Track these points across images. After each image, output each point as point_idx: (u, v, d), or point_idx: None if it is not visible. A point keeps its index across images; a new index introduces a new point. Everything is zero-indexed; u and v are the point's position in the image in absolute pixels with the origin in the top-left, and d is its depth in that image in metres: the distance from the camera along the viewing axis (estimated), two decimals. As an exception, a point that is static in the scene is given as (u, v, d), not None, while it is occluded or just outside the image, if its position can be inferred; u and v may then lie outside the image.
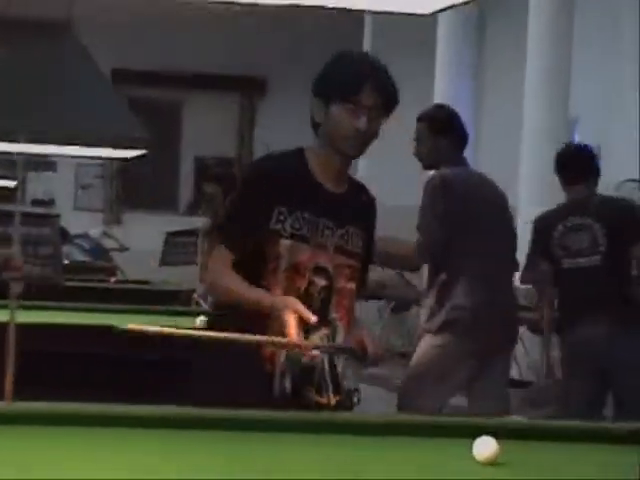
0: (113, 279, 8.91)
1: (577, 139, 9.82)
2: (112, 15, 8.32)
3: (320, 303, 3.23)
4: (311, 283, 3.20)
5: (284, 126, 12.38)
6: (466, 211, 4.94)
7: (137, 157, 7.27)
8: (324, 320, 3.23)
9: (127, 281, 8.90)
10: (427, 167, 5.27)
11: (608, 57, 10.17)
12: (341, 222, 3.22)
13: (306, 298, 3.14)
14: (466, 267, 4.89)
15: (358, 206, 3.35)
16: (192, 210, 13.11)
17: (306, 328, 3.13)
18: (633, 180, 8.75)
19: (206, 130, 13.97)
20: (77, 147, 7.07)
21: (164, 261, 9.73)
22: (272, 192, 3.11)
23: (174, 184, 14.02)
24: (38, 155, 8.58)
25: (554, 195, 8.01)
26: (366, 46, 12.14)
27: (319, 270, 3.21)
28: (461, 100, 10.50)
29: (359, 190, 3.44)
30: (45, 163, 11.07)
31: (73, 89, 6.65)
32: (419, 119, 5.26)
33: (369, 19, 11.51)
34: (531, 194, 9.11)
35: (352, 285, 3.27)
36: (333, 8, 3.95)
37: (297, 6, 3.94)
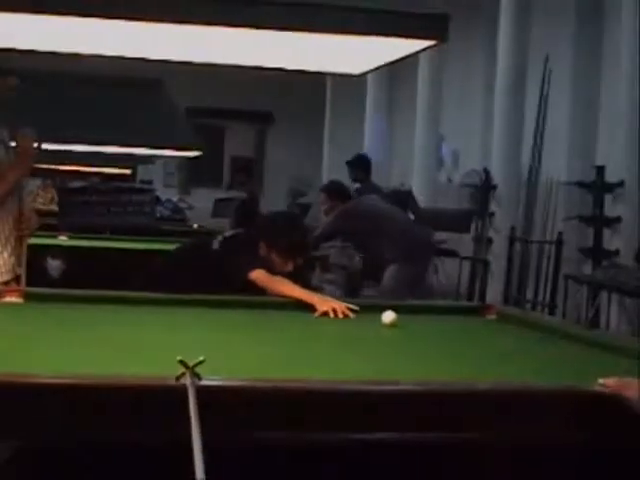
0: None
1: (444, 149, 13.63)
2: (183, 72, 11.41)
3: None
4: None
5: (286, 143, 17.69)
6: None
7: (197, 156, 11.16)
8: None
9: (191, 225, 12.33)
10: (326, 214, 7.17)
11: (466, 94, 13.43)
12: None
13: None
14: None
15: None
16: (229, 187, 18.57)
17: None
18: (475, 170, 11.89)
19: (238, 142, 19.47)
20: (164, 150, 10.70)
21: (213, 215, 15.14)
22: None
23: (219, 171, 19.47)
24: (144, 155, 11.92)
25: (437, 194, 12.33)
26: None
27: None
28: (380, 130, 15.11)
29: None
30: (148, 159, 13.86)
31: (166, 121, 10.10)
32: (321, 189, 7.49)
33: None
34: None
35: None
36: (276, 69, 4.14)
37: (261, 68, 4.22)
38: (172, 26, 3.63)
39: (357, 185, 9.26)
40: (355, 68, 3.82)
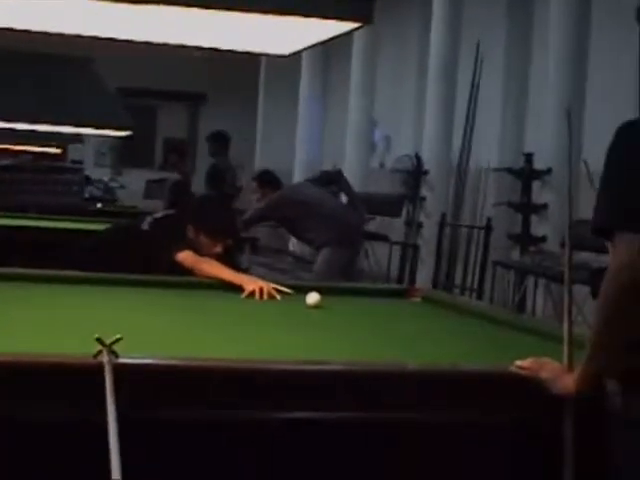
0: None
1: (376, 134, 13.76)
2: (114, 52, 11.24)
3: None
4: None
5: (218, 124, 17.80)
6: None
7: (128, 136, 10.90)
8: None
9: (123, 206, 11.89)
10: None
11: (399, 79, 13.60)
12: None
13: None
14: None
15: None
16: (161, 168, 18.43)
17: None
18: (407, 155, 12.10)
19: (170, 123, 19.36)
20: (93, 129, 10.34)
21: (145, 196, 15.08)
22: None
23: (152, 152, 19.37)
24: (74, 134, 11.88)
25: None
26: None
27: None
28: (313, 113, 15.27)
29: None
30: (78, 139, 13.79)
31: (96, 100, 9.82)
32: (253, 178, 7.58)
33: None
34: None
35: None
36: (206, 48, 4.08)
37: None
38: (103, 2, 3.58)
39: (214, 160, 10.07)
40: (283, 49, 3.80)
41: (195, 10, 3.44)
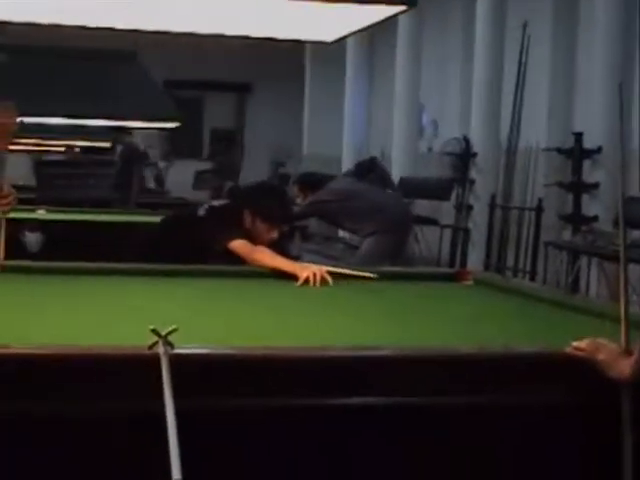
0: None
1: (424, 118, 13.70)
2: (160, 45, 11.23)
3: None
4: None
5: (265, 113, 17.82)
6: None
7: (176, 128, 10.61)
8: None
9: (173, 198, 12.10)
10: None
11: (445, 62, 13.47)
12: None
13: None
14: None
15: None
16: (210, 158, 18.52)
17: None
18: (455, 138, 11.94)
19: (217, 113, 19.40)
20: (143, 122, 10.31)
21: (194, 187, 15.12)
22: None
23: (199, 143, 19.47)
24: (123, 127, 11.79)
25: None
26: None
27: None
28: (361, 96, 15.23)
29: None
30: (127, 132, 13.15)
31: (143, 93, 9.81)
32: (293, 182, 7.58)
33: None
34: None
35: None
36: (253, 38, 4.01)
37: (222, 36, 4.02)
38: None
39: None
40: (327, 35, 3.78)
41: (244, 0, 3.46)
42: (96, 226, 7.23)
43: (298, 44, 12.81)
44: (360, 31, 3.58)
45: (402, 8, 3.00)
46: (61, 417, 2.14)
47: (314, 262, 6.46)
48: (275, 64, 16.50)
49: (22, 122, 4.44)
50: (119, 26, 4.42)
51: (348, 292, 3.71)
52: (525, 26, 10.81)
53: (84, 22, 4.25)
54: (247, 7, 3.49)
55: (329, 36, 3.74)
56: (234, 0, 3.42)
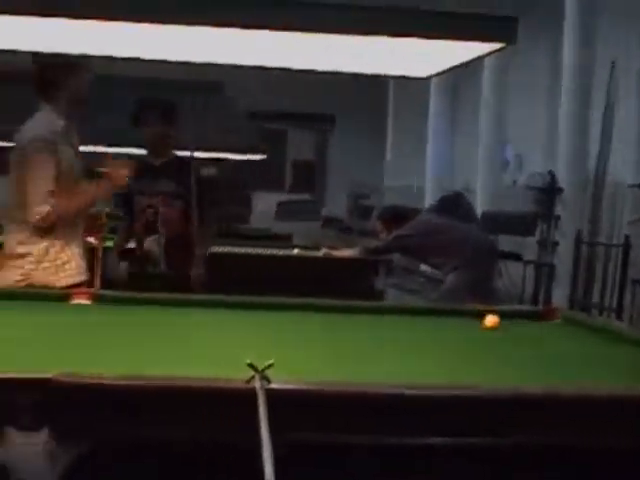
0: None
1: (508, 152, 13.57)
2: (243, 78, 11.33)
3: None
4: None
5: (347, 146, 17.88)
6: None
7: (261, 160, 11.10)
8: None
9: (258, 229, 12.63)
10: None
11: (530, 96, 13.42)
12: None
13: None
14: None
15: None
16: (291, 190, 18.60)
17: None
18: (539, 173, 11.76)
19: (300, 145, 19.52)
20: (228, 154, 10.73)
21: (277, 218, 15.20)
22: None
23: (281, 174, 19.62)
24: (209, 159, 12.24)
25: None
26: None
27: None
28: (445, 129, 15.26)
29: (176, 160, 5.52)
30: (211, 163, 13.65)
31: (229, 124, 10.55)
32: (377, 217, 7.83)
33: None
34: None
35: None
36: (337, 72, 4.14)
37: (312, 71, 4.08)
38: (234, 30, 3.64)
39: None
40: (422, 71, 3.79)
41: (332, 36, 3.48)
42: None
43: (383, 77, 12.88)
44: (456, 68, 3.56)
45: (500, 45, 2.98)
46: (158, 447, 2.16)
47: (395, 296, 6.37)
48: (358, 96, 16.55)
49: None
50: (208, 60, 4.48)
51: (434, 327, 3.67)
52: (614, 63, 10.67)
53: (179, 57, 4.33)
54: (344, 45, 3.51)
55: (424, 72, 3.74)
56: (329, 37, 3.44)
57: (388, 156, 17.15)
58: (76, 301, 3.86)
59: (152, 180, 5.73)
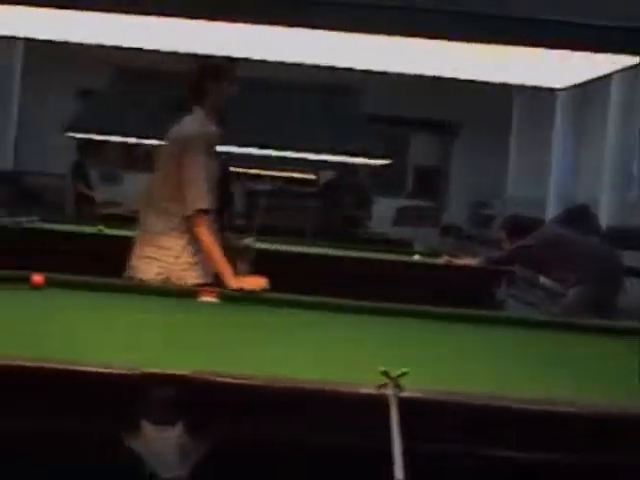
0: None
1: (635, 166, 13.48)
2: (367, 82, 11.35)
3: None
4: None
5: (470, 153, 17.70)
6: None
7: (386, 164, 11.19)
8: None
9: (375, 233, 12.62)
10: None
11: None
12: None
13: None
14: None
15: None
16: (412, 195, 18.52)
17: None
18: None
19: (422, 151, 19.40)
20: (352, 157, 10.69)
21: (394, 223, 15.20)
22: None
23: (402, 180, 19.56)
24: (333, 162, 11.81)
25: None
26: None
27: None
28: (570, 141, 15.03)
29: None
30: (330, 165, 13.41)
31: (353, 128, 10.87)
32: (500, 227, 7.67)
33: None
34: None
35: None
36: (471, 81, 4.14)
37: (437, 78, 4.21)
38: (364, 36, 3.66)
39: None
40: (557, 82, 3.74)
41: (471, 45, 3.46)
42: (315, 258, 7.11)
43: (508, 87, 12.80)
44: (594, 81, 3.50)
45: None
46: (285, 447, 2.19)
47: (514, 308, 6.33)
48: (483, 104, 16.40)
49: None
50: (336, 64, 4.53)
51: (567, 344, 3.61)
52: None
53: (309, 61, 4.38)
54: (479, 52, 3.50)
55: (559, 83, 3.69)
56: (466, 46, 3.43)
57: (511, 166, 16.96)
58: (204, 298, 3.93)
59: None
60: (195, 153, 4.38)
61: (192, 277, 4.43)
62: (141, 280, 4.35)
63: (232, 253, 4.60)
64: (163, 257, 4.42)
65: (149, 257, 4.44)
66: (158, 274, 4.42)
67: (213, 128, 4.55)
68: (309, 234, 9.97)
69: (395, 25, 3.59)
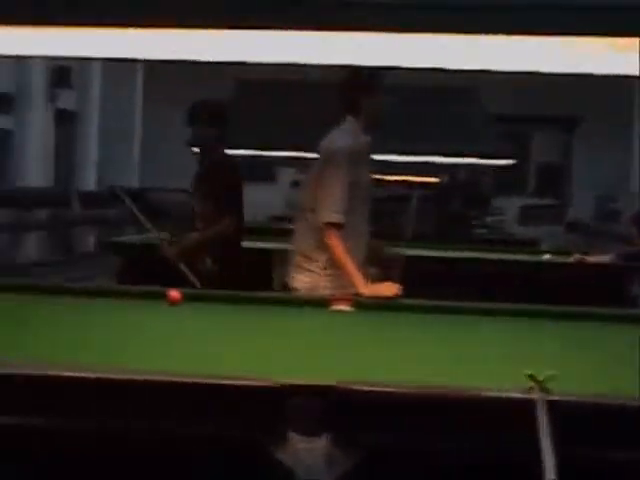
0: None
1: None
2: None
3: None
4: None
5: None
6: None
7: (504, 166, 10.78)
8: None
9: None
10: None
11: None
12: None
13: None
14: None
15: None
16: (536, 193, 18.28)
17: None
18: None
19: (545, 148, 19.16)
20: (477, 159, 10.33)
21: (520, 222, 15.05)
22: None
23: (523, 178, 19.18)
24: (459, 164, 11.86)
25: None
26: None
27: None
28: None
29: None
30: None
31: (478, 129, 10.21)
32: (631, 220, 8.49)
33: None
34: None
35: None
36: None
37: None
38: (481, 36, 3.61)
39: None
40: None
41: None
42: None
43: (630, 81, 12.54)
44: None
45: None
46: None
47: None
48: (604, 97, 16.05)
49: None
50: (460, 67, 4.48)
51: None
52: None
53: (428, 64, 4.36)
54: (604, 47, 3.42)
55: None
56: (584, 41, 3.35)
57: (635, 158, 16.56)
58: (337, 307, 3.93)
59: None
60: (335, 167, 4.43)
61: (332, 288, 4.46)
62: (294, 289, 4.49)
63: (381, 262, 4.62)
64: (312, 268, 4.52)
65: (304, 268, 4.55)
66: (305, 283, 4.53)
67: (365, 138, 4.59)
68: (432, 238, 9.81)
69: (516, 24, 3.54)
